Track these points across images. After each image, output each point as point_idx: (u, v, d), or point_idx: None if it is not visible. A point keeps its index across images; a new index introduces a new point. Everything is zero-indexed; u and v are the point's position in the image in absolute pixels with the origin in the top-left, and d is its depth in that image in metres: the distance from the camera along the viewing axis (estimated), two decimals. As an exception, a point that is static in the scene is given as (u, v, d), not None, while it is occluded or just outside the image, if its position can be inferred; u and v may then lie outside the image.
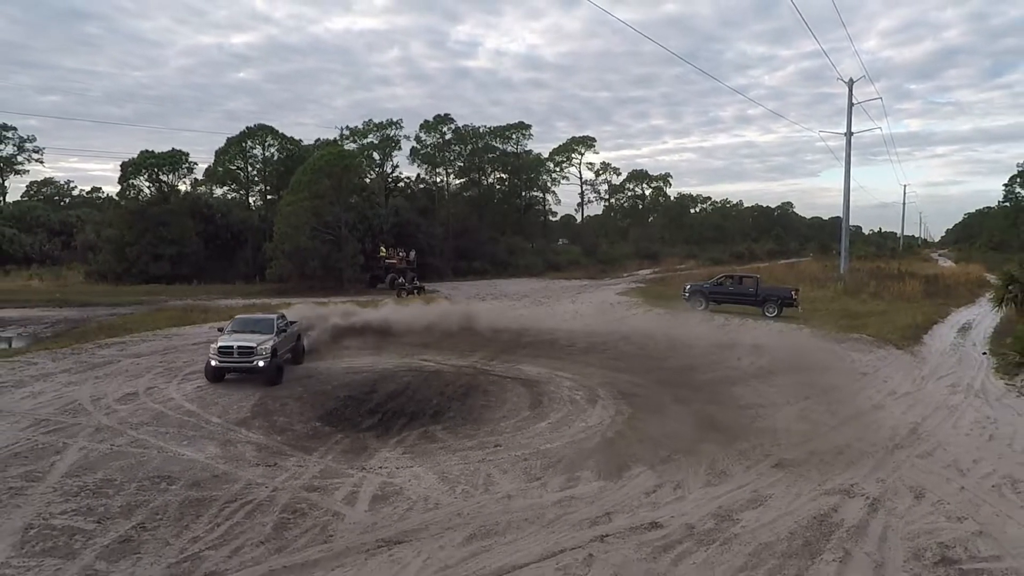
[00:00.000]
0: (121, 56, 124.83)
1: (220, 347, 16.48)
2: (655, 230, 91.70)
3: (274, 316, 18.74)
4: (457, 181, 67.88)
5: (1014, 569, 7.61)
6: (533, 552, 8.08)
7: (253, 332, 17.25)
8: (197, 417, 13.73)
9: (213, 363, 16.55)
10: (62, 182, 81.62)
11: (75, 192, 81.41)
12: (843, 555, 7.99)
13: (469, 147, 66.38)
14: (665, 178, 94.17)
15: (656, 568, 7.73)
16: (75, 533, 8.59)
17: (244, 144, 57.94)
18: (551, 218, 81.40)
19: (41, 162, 71.67)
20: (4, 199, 68.78)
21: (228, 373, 16.72)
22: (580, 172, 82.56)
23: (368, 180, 58.22)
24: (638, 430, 13.15)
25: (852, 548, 8.17)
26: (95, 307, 34.39)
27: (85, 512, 9.21)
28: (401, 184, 64.67)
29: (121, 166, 52.92)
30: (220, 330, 18.40)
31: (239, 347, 16.45)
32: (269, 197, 57.46)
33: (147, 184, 52.98)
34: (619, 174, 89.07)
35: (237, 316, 19.25)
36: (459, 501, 9.74)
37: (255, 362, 16.42)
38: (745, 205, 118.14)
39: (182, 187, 54.55)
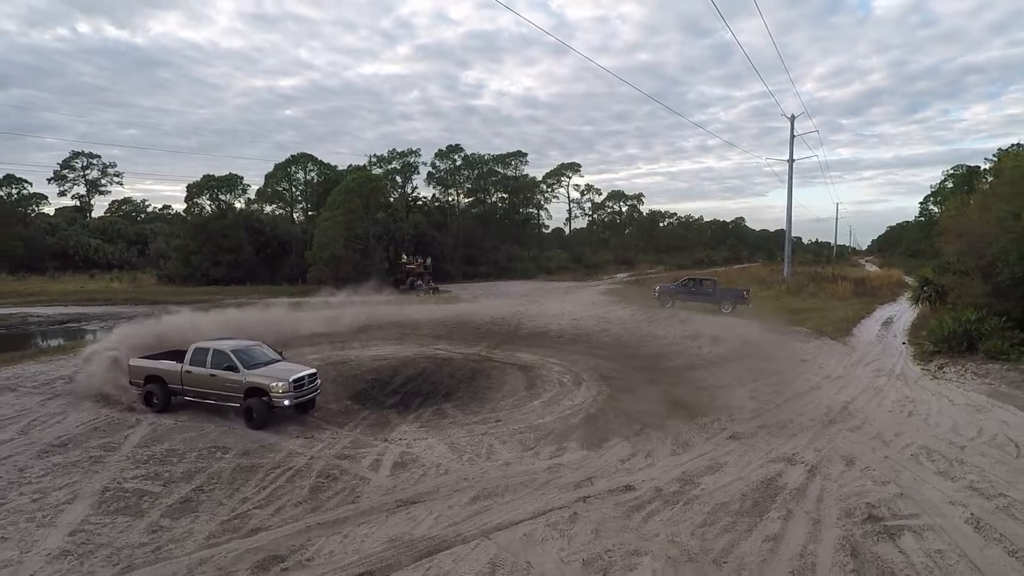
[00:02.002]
0: (189, 97, 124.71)
1: (295, 379, 11.77)
2: (630, 240, 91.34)
3: (253, 342, 13.42)
4: (466, 200, 67.66)
5: (929, 525, 7.54)
6: (527, 510, 8.02)
7: (273, 362, 12.63)
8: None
9: (287, 403, 11.58)
10: (138, 201, 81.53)
11: (149, 209, 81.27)
12: (786, 513, 7.92)
13: (476, 172, 66.25)
14: (638, 197, 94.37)
15: (630, 524, 7.65)
16: (144, 495, 8.52)
17: (289, 169, 58.05)
18: (544, 230, 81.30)
19: (121, 184, 72.36)
20: (90, 215, 68.78)
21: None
22: (568, 192, 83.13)
23: (392, 199, 58.24)
24: (615, 408, 13.06)
25: (794, 507, 8.10)
26: (165, 305, 34.26)
27: (152, 477, 9.15)
28: (419, 202, 64.53)
29: (187, 187, 53.29)
30: (199, 359, 12.25)
31: (308, 375, 12.30)
32: (310, 213, 57.36)
33: (208, 202, 53.25)
34: (600, 194, 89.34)
35: (225, 350, 12.24)
36: (465, 467, 9.66)
37: (318, 387, 12.76)
38: (705, 220, 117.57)
39: (237, 205, 54.88)
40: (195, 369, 12.29)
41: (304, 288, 42.08)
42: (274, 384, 11.61)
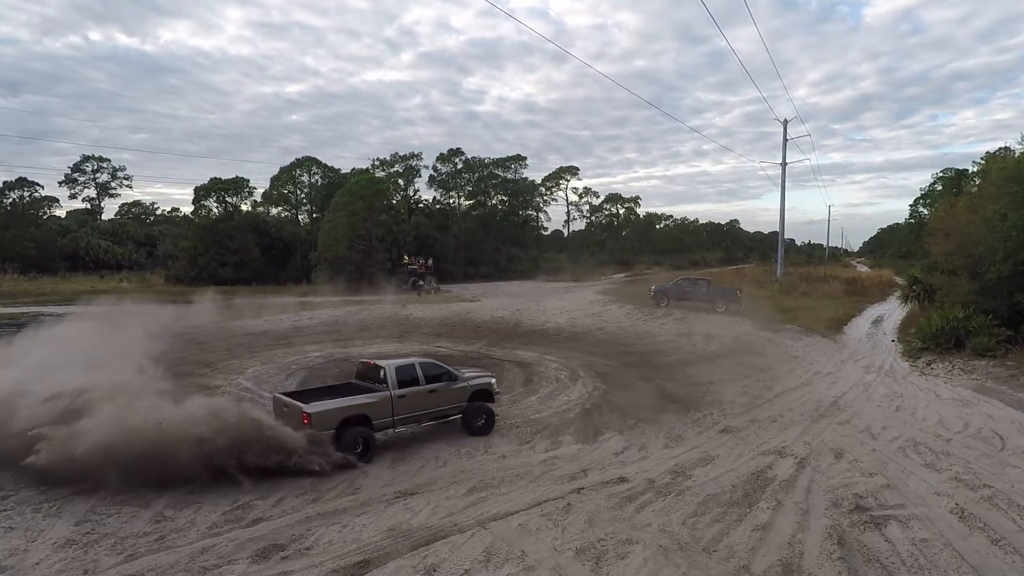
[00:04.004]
0: (198, 102, 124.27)
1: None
2: (627, 242, 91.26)
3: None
4: (467, 202, 67.59)
5: (914, 515, 7.52)
6: (522, 501, 8.00)
7: (460, 367, 12.15)
8: (252, 392, 13.65)
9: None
10: (148, 203, 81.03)
11: (158, 211, 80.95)
12: (776, 504, 7.90)
13: (476, 175, 66.15)
14: (635, 200, 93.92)
15: (622, 514, 7.63)
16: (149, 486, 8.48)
17: (294, 172, 58.12)
18: (543, 232, 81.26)
19: (131, 187, 71.84)
20: (101, 217, 68.72)
21: None
22: (567, 195, 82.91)
23: (394, 201, 58.22)
24: (610, 402, 13.06)
25: (783, 498, 8.08)
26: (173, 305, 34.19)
27: (157, 469, 9.10)
28: (421, 205, 64.57)
29: (195, 190, 53.13)
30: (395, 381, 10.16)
31: None
32: (314, 215, 57.41)
33: (216, 205, 53.21)
34: (598, 197, 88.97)
35: (433, 361, 11.27)
36: (463, 460, 9.66)
37: None
38: (700, 222, 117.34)
39: (244, 207, 54.82)
40: (409, 391, 10.20)
41: (293, 287, 42.07)
42: (493, 381, 11.51)
